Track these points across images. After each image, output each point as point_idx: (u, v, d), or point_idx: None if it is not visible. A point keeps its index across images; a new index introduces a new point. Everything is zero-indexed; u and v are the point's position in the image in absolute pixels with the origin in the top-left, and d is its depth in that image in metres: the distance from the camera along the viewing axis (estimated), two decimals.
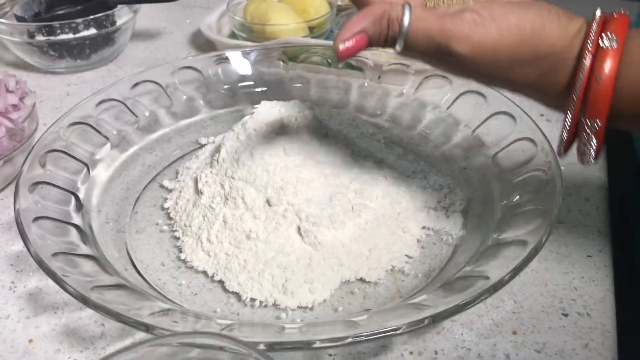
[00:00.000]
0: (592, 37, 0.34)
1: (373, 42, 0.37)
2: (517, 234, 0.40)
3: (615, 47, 0.34)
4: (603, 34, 0.34)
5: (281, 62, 0.62)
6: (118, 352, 0.26)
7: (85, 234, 0.43)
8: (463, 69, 0.38)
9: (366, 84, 0.61)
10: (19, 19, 0.68)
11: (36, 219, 0.41)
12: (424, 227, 0.47)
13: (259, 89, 0.61)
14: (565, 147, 0.39)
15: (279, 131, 0.48)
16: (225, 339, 0.26)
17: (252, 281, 0.42)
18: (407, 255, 0.45)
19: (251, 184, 0.45)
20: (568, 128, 0.37)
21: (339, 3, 0.80)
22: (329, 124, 0.52)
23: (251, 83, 0.61)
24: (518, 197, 0.44)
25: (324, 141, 0.50)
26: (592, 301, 0.42)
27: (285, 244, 0.43)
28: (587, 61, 0.34)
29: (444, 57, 0.37)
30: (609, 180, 0.54)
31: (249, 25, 0.72)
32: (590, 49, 0.34)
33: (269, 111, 0.50)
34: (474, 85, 0.54)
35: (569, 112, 0.36)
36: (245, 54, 0.61)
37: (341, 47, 0.36)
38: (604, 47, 0.34)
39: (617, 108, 0.35)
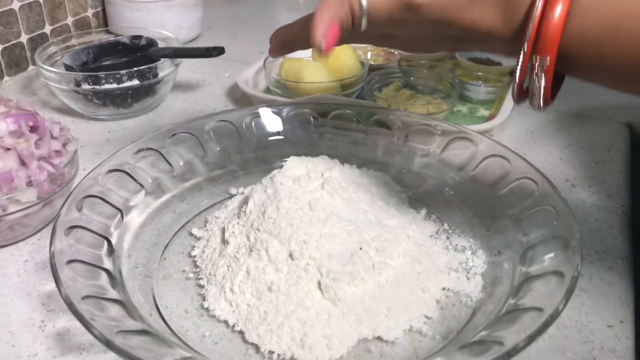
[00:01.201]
0: None
1: (343, 27, 0.40)
2: (535, 300, 0.40)
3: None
4: None
5: (312, 118, 0.64)
6: None
7: (115, 279, 0.44)
8: (425, 26, 0.41)
9: (394, 141, 0.62)
10: (68, 67, 0.73)
11: (69, 261, 0.43)
12: (444, 288, 0.48)
13: (289, 144, 0.63)
14: (518, 89, 0.41)
15: (306, 186, 0.50)
16: None
17: (272, 333, 0.43)
18: (425, 316, 0.45)
19: (275, 237, 0.47)
20: (520, 68, 0.39)
21: (372, 62, 0.82)
22: (354, 181, 0.54)
23: (282, 138, 0.63)
24: (537, 262, 0.44)
25: (349, 199, 0.51)
26: None
27: (305, 298, 0.44)
28: (540, 1, 0.37)
29: (406, 15, 0.39)
30: (634, 250, 0.54)
31: (284, 82, 0.75)
32: None
33: (297, 166, 0.52)
34: (498, 149, 0.55)
35: (521, 52, 0.38)
36: (278, 110, 0.64)
37: (322, 43, 0.39)
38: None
39: (566, 53, 0.37)
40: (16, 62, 0.85)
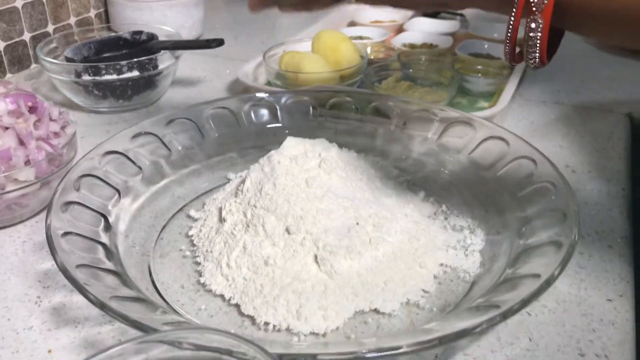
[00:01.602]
0: None
1: None
2: (531, 268, 0.40)
3: None
4: None
5: (311, 107, 0.64)
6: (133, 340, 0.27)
7: (111, 252, 0.44)
8: None
9: (392, 129, 0.62)
10: (69, 60, 0.73)
11: (65, 233, 0.43)
12: (441, 264, 0.48)
13: (288, 132, 0.63)
14: (511, 48, 0.39)
15: (303, 164, 0.50)
16: (236, 338, 0.27)
17: (267, 305, 0.42)
18: (423, 290, 0.45)
19: (272, 213, 0.47)
20: (512, 24, 0.38)
21: (371, 57, 0.83)
22: (352, 162, 0.54)
23: (280, 126, 0.63)
24: (534, 235, 0.44)
25: (347, 178, 0.51)
26: (610, 343, 0.41)
27: (302, 271, 0.44)
28: None
29: None
30: (633, 230, 0.54)
31: (283, 74, 0.75)
32: None
33: (295, 146, 0.52)
34: (496, 130, 0.55)
35: (513, 8, 0.37)
36: (276, 98, 0.64)
37: None
38: None
39: (561, 4, 0.36)
40: (19, 59, 0.85)
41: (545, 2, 0.36)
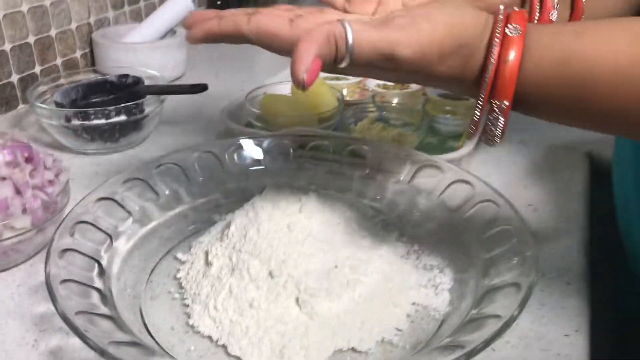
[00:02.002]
0: (500, 27, 0.41)
1: (325, 63, 0.40)
2: (494, 309, 0.44)
3: (518, 35, 0.40)
4: (508, 24, 0.40)
5: (291, 150, 0.68)
6: None
7: (106, 297, 0.47)
8: (399, 72, 0.43)
9: (367, 171, 0.66)
10: (58, 105, 0.76)
11: (63, 281, 0.46)
12: (413, 303, 0.51)
13: (270, 173, 0.67)
14: (476, 126, 0.45)
15: (285, 210, 0.54)
16: None
17: (253, 346, 0.46)
18: (396, 328, 0.49)
19: (256, 257, 0.50)
20: (480, 108, 0.43)
21: (347, 99, 0.87)
22: (330, 205, 0.58)
23: (262, 168, 0.67)
24: (497, 276, 0.48)
25: (326, 221, 0.55)
26: None
27: (284, 313, 0.48)
28: (497, 48, 0.40)
29: (385, 64, 0.41)
30: (590, 267, 0.58)
31: (264, 116, 0.79)
32: (498, 37, 0.40)
33: (276, 192, 0.55)
34: (463, 175, 0.60)
35: (481, 94, 0.42)
36: (259, 142, 0.68)
37: (305, 77, 0.39)
38: (510, 35, 0.40)
39: (521, 92, 0.41)
40: (7, 100, 0.88)
41: (506, 104, 0.41)
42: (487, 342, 0.39)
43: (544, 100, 0.42)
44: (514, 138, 0.84)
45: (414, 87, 0.92)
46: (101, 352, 0.39)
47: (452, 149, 0.78)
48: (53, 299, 0.43)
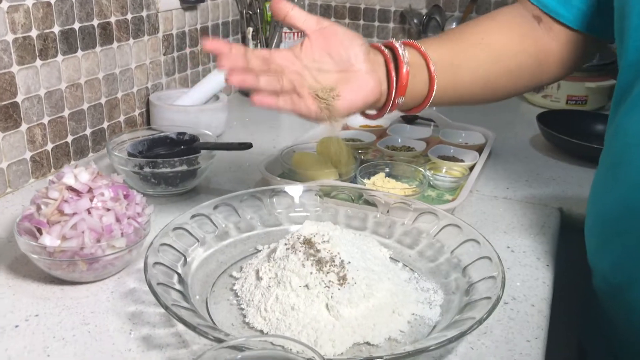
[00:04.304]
0: (393, 65, 0.73)
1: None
2: (471, 314, 0.61)
3: (407, 61, 0.73)
4: (402, 55, 0.74)
5: (318, 197, 0.86)
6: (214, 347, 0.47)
7: (186, 297, 0.64)
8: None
9: (378, 216, 0.84)
10: (131, 154, 0.95)
11: (158, 284, 0.63)
12: (413, 314, 0.68)
13: (301, 215, 0.85)
14: (383, 112, 0.77)
15: (316, 240, 0.71)
16: (291, 342, 0.47)
17: (294, 338, 0.62)
18: (400, 330, 0.65)
19: (296, 274, 0.67)
20: (390, 105, 0.75)
21: (362, 158, 1.06)
22: (350, 240, 0.75)
23: (296, 210, 0.85)
24: (476, 293, 0.65)
25: (347, 251, 0.72)
26: None
27: (317, 315, 0.64)
28: (393, 76, 0.73)
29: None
30: (552, 294, 0.75)
31: (295, 169, 0.97)
32: (393, 68, 0.73)
33: (311, 226, 0.73)
34: (454, 220, 0.77)
35: (391, 96, 0.74)
36: (293, 190, 0.86)
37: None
38: (404, 61, 0.73)
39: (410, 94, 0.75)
40: (81, 150, 1.07)
41: (402, 100, 0.75)
42: (463, 334, 0.56)
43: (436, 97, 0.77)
44: (500, 194, 1.01)
45: (418, 149, 1.11)
46: (193, 328, 0.55)
47: (447, 202, 0.96)
48: (155, 294, 0.60)
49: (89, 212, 0.69)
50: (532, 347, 0.65)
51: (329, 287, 0.66)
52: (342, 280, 0.67)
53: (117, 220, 0.70)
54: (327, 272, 0.67)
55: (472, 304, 0.64)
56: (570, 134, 1.18)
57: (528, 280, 0.77)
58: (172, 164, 0.91)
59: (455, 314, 0.65)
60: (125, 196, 0.73)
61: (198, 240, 0.75)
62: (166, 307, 0.58)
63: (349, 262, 0.69)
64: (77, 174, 0.71)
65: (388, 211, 0.84)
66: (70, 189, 0.70)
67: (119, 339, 0.64)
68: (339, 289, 0.66)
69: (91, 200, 0.70)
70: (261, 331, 0.65)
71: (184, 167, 0.92)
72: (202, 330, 0.55)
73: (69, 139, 1.04)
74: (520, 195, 1.02)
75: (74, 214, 0.68)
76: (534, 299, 0.73)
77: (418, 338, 0.64)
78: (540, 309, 0.72)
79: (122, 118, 1.16)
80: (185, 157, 0.92)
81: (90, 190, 0.71)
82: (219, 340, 0.54)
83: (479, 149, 1.12)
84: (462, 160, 1.08)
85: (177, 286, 0.66)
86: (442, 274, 0.75)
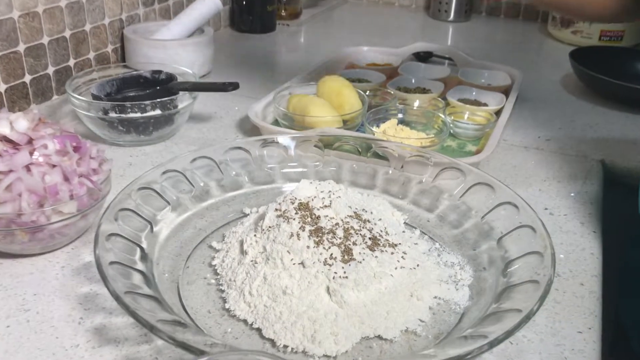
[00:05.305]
0: None
1: None
2: (514, 304, 0.47)
3: None
4: None
5: (318, 149, 0.71)
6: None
7: (149, 279, 0.51)
8: None
9: (390, 172, 0.69)
10: (95, 97, 0.80)
11: (111, 263, 0.49)
12: (435, 297, 0.54)
13: (297, 170, 0.70)
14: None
15: (315, 204, 0.57)
16: (269, 356, 0.34)
17: (286, 330, 0.49)
18: (420, 319, 0.52)
19: (289, 248, 0.53)
20: None
21: (370, 101, 0.90)
22: (357, 202, 0.61)
23: (291, 164, 0.70)
24: (516, 274, 0.51)
25: (352, 217, 0.58)
26: None
27: (315, 301, 0.51)
28: None
29: None
30: (602, 269, 0.61)
31: (291, 116, 0.82)
32: None
33: (308, 187, 0.59)
34: (485, 177, 0.63)
35: None
36: (288, 140, 0.71)
37: None
38: None
39: None
40: (42, 91, 0.92)
41: None
42: (509, 334, 0.43)
43: None
44: (530, 144, 0.86)
45: (434, 91, 0.96)
46: (151, 327, 0.42)
47: (471, 153, 0.81)
48: (104, 279, 0.46)
49: (28, 170, 0.55)
50: (586, 340, 0.51)
51: (330, 265, 0.52)
52: (347, 255, 0.53)
53: (65, 179, 0.56)
54: (328, 246, 0.53)
55: (513, 287, 0.50)
56: (606, 74, 1.02)
57: (573, 251, 0.63)
58: (143, 108, 0.76)
59: (491, 300, 0.51)
60: (76, 149, 0.58)
61: (169, 203, 0.61)
62: (117, 297, 0.45)
63: (357, 232, 0.55)
64: (13, 121, 0.56)
65: (402, 166, 0.69)
66: (5, 139, 0.56)
67: (64, 331, 0.50)
68: (342, 268, 0.52)
69: (31, 154, 0.55)
70: (245, 321, 0.51)
71: (158, 112, 0.77)
72: (160, 331, 0.42)
73: (27, 78, 0.88)
74: (554, 145, 0.87)
75: (10, 171, 0.54)
76: (583, 276, 0.60)
77: (443, 330, 0.51)
78: (592, 289, 0.58)
79: (92, 55, 1.00)
80: (159, 100, 0.77)
81: (30, 141, 0.56)
82: (183, 347, 0.40)
83: (505, 91, 0.96)
84: (485, 104, 0.93)
85: (139, 264, 0.52)
86: (470, 243, 0.61)
